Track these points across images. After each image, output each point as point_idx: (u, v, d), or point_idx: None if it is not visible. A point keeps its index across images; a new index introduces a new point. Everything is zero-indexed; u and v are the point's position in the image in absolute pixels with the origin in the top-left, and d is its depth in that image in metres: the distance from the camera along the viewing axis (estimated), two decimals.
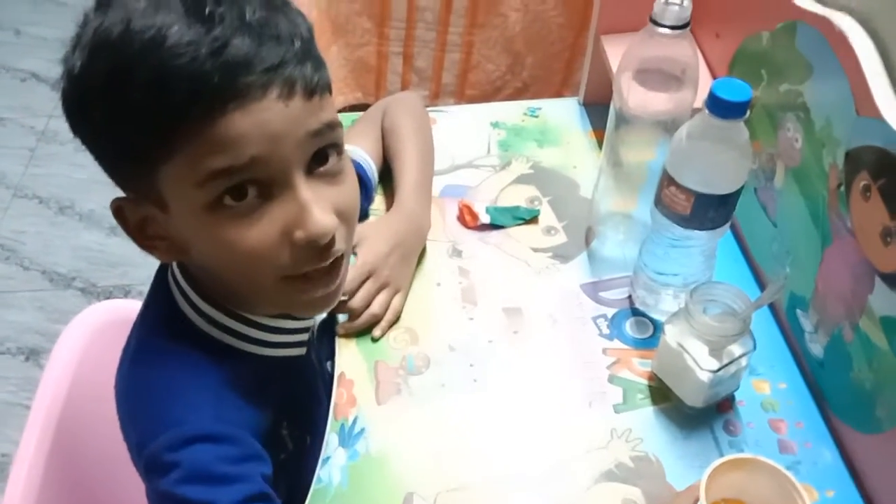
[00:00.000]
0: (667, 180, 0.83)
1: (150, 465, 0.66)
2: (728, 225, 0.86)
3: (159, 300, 0.74)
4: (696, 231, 0.85)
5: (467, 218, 1.05)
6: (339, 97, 1.69)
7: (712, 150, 0.80)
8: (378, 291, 0.92)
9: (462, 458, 0.82)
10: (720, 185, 0.81)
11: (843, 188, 0.80)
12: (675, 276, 0.90)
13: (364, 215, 0.99)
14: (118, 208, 0.66)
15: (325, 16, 1.58)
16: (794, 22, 0.86)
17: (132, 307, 0.88)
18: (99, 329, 0.95)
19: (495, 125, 1.17)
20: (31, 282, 1.94)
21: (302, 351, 0.80)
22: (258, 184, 0.62)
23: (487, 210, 1.05)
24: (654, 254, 0.90)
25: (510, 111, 1.20)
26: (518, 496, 0.80)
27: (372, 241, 0.93)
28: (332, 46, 1.62)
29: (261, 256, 0.63)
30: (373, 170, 1.01)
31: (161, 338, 0.72)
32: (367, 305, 0.91)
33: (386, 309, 0.92)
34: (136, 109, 0.58)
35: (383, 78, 1.69)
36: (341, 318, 0.92)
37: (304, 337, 0.81)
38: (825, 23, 0.80)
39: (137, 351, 0.72)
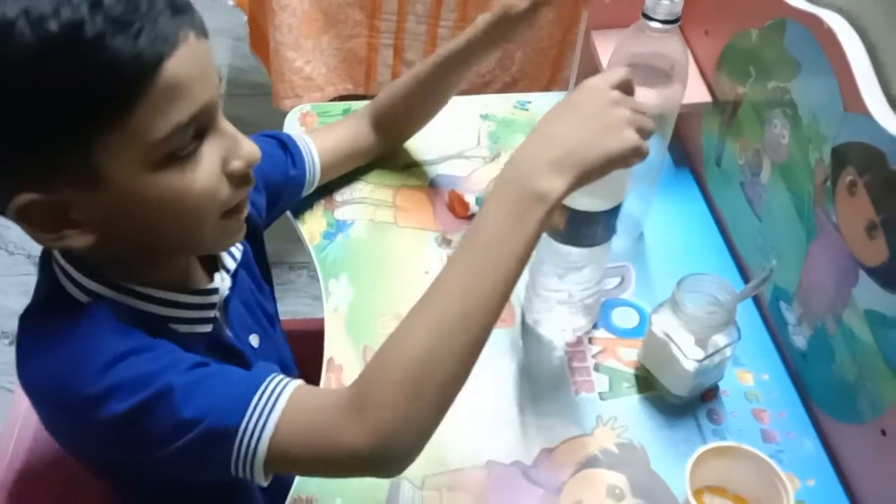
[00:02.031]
0: None
1: (80, 412, 0.62)
2: (609, 243, 0.85)
3: (43, 287, 0.70)
4: (573, 248, 0.84)
5: (457, 207, 1.05)
6: (329, 87, 1.70)
7: None
8: None
9: (450, 442, 0.83)
10: (593, 203, 0.80)
11: (829, 183, 0.81)
12: (558, 293, 0.89)
13: (297, 183, 0.98)
14: (24, 208, 0.59)
15: (316, 6, 1.58)
16: (783, 19, 0.87)
17: None
18: None
19: (485, 117, 1.18)
20: (16, 266, 1.93)
21: (207, 328, 0.75)
22: (197, 128, 0.62)
23: (477, 200, 1.06)
24: (541, 270, 0.89)
25: (500, 104, 1.21)
26: (504, 481, 0.81)
27: None
28: (323, 37, 1.62)
29: (209, 196, 0.64)
30: (306, 142, 0.98)
31: (47, 319, 0.67)
32: None
33: None
34: (66, 89, 0.55)
35: (373, 69, 1.70)
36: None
37: (209, 313, 0.75)
38: (814, 20, 0.82)
39: (25, 341, 0.67)
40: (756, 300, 0.97)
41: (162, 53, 0.57)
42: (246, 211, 0.71)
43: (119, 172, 0.59)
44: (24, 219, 0.60)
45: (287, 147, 0.96)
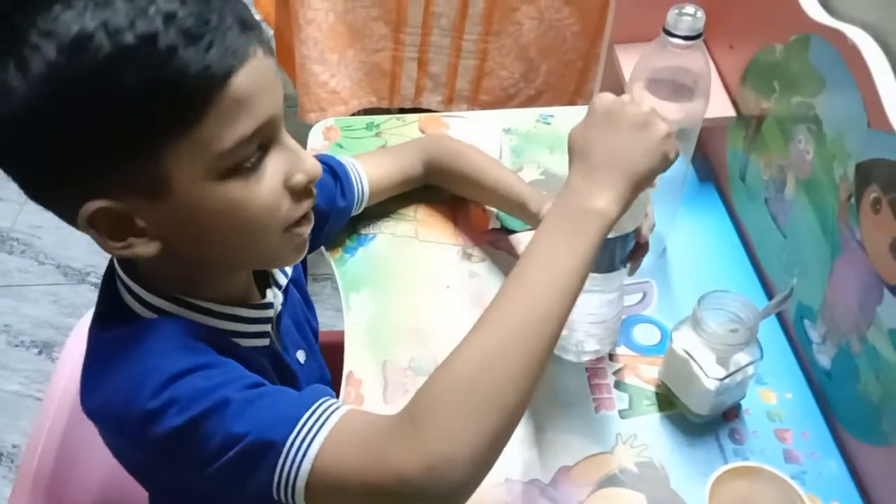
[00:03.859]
0: None
1: (139, 427, 0.62)
2: (619, 272, 0.83)
3: (105, 302, 0.71)
4: None
5: (478, 222, 1.05)
6: (354, 101, 1.71)
7: None
8: None
9: None
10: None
11: (853, 200, 0.80)
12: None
13: (343, 213, 0.99)
14: (93, 216, 0.61)
15: (341, 20, 1.59)
16: (808, 35, 0.86)
17: None
18: None
19: (507, 131, 1.18)
20: (47, 276, 1.95)
21: (265, 341, 0.77)
22: (261, 141, 0.64)
23: (498, 214, 1.06)
24: None
25: (523, 118, 1.21)
26: (522, 499, 0.81)
27: None
28: (349, 50, 1.64)
29: (271, 209, 0.65)
30: (357, 171, 0.99)
31: (110, 337, 0.68)
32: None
33: None
34: (139, 99, 0.56)
35: (398, 82, 1.71)
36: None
37: (265, 327, 0.77)
38: (838, 36, 0.81)
39: (90, 361, 0.69)
40: (780, 317, 0.96)
41: (231, 66, 0.59)
42: (310, 227, 0.71)
43: (184, 182, 0.60)
44: (93, 226, 0.61)
45: (338, 176, 0.97)
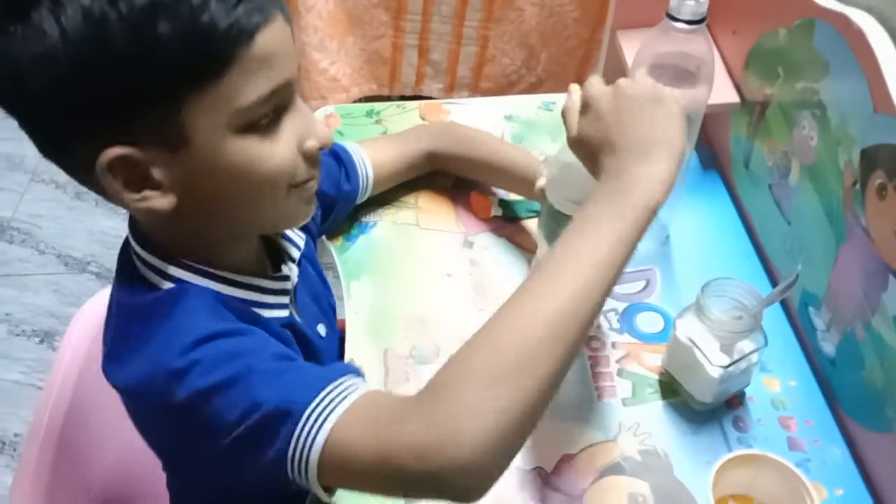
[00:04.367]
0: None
1: (164, 389, 0.62)
2: None
3: (124, 280, 0.71)
4: None
5: (479, 210, 1.05)
6: (354, 88, 1.70)
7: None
8: None
9: None
10: None
11: (858, 186, 0.79)
12: None
13: (349, 198, 1.00)
14: (112, 163, 0.60)
15: (341, 7, 1.58)
16: (812, 19, 0.85)
17: None
18: None
19: (509, 118, 1.17)
20: (47, 265, 1.95)
21: (285, 313, 0.76)
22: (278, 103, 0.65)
23: (500, 202, 1.05)
24: None
25: (524, 105, 1.20)
26: (525, 487, 0.80)
27: None
28: (348, 37, 1.62)
29: (285, 170, 0.66)
30: (361, 157, 0.99)
31: (134, 307, 0.68)
32: None
33: None
34: (168, 50, 0.57)
35: (398, 70, 1.70)
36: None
37: (284, 299, 0.77)
38: (843, 20, 0.80)
39: (115, 330, 0.69)
40: (784, 304, 0.95)
41: (257, 24, 0.60)
42: (316, 186, 0.72)
43: (203, 134, 0.61)
44: (112, 172, 0.61)
45: (341, 160, 0.97)
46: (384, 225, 1.03)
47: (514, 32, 1.63)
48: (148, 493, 0.91)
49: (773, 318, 0.93)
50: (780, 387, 0.89)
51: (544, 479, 0.81)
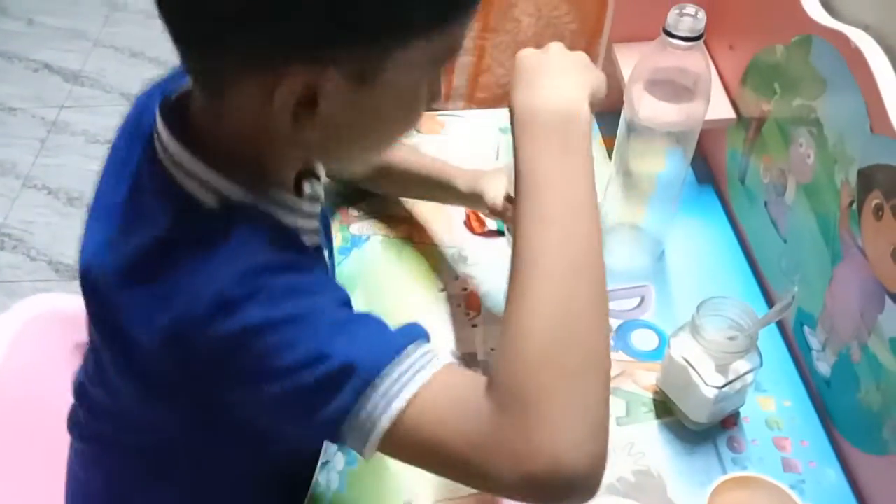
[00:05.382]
0: None
1: (207, 317, 0.55)
2: None
3: (165, 213, 0.60)
4: None
5: (474, 224, 1.04)
6: None
7: None
8: None
9: None
10: None
11: (854, 206, 0.79)
12: None
13: None
14: (290, 83, 0.55)
15: None
16: (809, 36, 0.85)
17: (60, 301, 0.91)
18: (31, 322, 0.91)
19: (504, 130, 1.16)
20: (37, 272, 1.94)
21: (316, 241, 0.70)
22: None
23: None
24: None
25: None
26: None
27: None
28: None
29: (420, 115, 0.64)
30: None
31: (172, 226, 0.59)
32: None
33: None
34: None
35: None
36: None
37: (315, 223, 0.70)
38: (841, 38, 0.79)
39: (143, 252, 0.59)
40: (779, 324, 0.95)
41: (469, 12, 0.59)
42: None
43: (400, 75, 0.58)
44: (284, 90, 0.55)
45: None
46: (378, 239, 1.03)
47: (510, 43, 1.62)
48: None
49: (769, 337, 0.93)
50: (774, 407, 0.88)
51: None
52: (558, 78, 0.65)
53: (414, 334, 0.59)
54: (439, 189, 0.97)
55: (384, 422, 0.55)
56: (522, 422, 0.52)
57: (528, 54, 0.69)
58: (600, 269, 0.58)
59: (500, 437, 0.53)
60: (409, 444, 0.56)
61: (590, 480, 0.54)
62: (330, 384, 0.55)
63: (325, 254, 0.75)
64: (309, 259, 0.62)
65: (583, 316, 0.55)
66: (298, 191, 0.69)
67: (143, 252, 0.59)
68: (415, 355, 0.57)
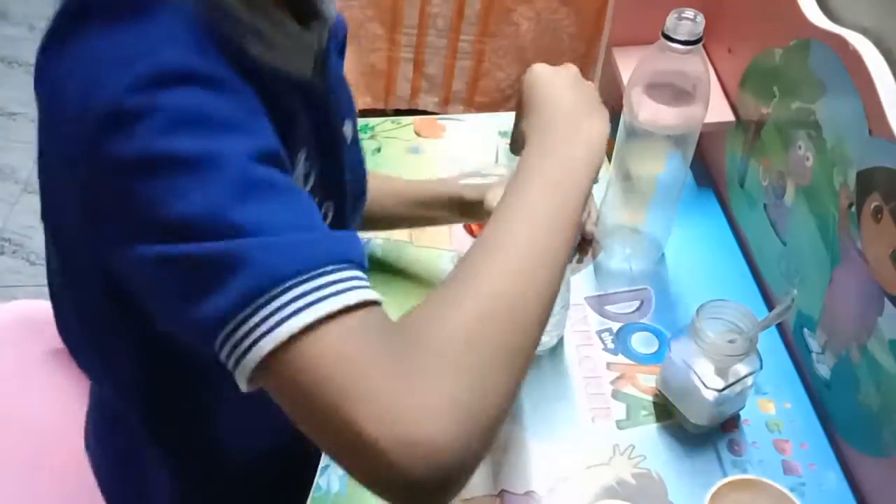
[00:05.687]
0: None
1: (101, 129, 0.45)
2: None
3: None
4: None
5: (473, 226, 1.04)
6: None
7: None
8: None
9: None
10: None
11: (853, 208, 0.79)
12: None
13: None
14: None
15: None
16: (808, 39, 0.85)
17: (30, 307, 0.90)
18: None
19: (504, 134, 1.17)
20: (37, 277, 1.94)
21: (305, 70, 0.55)
22: None
23: None
24: None
25: None
26: None
27: None
28: None
29: None
30: None
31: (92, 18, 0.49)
32: None
33: None
34: None
35: (393, 83, 1.69)
36: None
37: (308, 61, 0.56)
38: (839, 41, 0.80)
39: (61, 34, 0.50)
40: (779, 326, 0.95)
41: None
42: None
43: None
44: None
45: None
46: (377, 242, 1.03)
47: (509, 47, 1.63)
48: None
49: (768, 340, 0.93)
50: (774, 409, 0.88)
51: (538, 503, 0.80)
52: (585, 121, 0.66)
53: (344, 254, 0.48)
54: (448, 208, 0.93)
55: (265, 344, 0.44)
56: (415, 382, 0.44)
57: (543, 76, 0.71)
58: (556, 285, 0.54)
59: (384, 387, 0.44)
60: (289, 384, 0.45)
61: (451, 474, 0.44)
62: (212, 271, 0.44)
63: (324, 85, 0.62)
64: (247, 84, 0.48)
65: (521, 315, 0.51)
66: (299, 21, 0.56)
67: (62, 10, 0.51)
68: (332, 276, 0.46)
